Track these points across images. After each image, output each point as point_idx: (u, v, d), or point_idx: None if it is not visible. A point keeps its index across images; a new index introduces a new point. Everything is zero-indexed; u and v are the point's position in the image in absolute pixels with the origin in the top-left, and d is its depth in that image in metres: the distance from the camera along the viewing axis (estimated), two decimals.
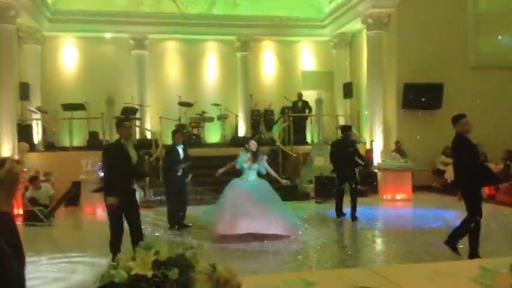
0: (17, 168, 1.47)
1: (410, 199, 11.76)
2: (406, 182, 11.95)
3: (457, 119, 6.03)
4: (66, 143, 14.16)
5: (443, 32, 13.58)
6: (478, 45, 14.09)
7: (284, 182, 8.15)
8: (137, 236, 5.45)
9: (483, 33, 14.15)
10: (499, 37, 13.99)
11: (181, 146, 8.65)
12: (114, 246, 5.51)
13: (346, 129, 9.76)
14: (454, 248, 6.01)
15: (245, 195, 7.39)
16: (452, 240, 6.03)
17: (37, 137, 14.00)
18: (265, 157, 7.96)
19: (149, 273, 1.93)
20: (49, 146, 14.13)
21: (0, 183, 1.40)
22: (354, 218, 9.05)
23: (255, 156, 7.67)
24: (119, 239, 5.56)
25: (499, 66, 13.83)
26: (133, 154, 5.65)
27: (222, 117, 15.56)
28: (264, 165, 7.76)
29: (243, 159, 7.65)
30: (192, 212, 8.88)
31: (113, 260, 5.16)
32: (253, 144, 7.75)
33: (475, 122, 6.36)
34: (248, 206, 7.27)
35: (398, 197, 11.84)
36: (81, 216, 10.47)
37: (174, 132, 8.96)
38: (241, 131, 15.96)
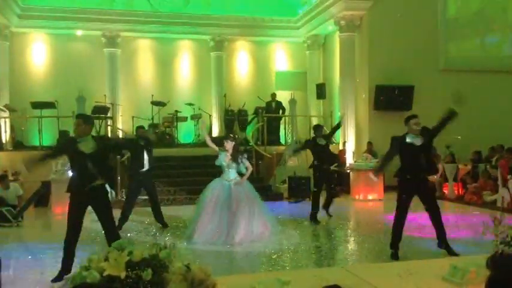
0: None
1: (381, 199, 11.94)
2: (377, 182, 12.09)
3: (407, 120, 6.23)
4: (36, 142, 13.85)
5: (414, 35, 13.85)
6: (447, 49, 14.42)
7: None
8: (110, 236, 5.34)
9: (453, 37, 14.50)
10: (468, 41, 14.39)
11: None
12: (66, 243, 5.39)
13: (318, 128, 9.80)
14: (450, 250, 6.08)
15: (224, 201, 7.33)
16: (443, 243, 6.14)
17: (5, 135, 13.66)
18: (246, 159, 7.86)
19: (122, 274, 1.90)
20: (17, 145, 13.81)
21: None
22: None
23: (234, 156, 7.60)
24: (72, 238, 5.39)
25: (468, 70, 14.18)
26: (87, 150, 5.34)
27: (195, 117, 15.49)
28: (243, 167, 7.66)
29: (223, 158, 7.59)
30: (166, 212, 8.81)
31: (63, 258, 5.10)
32: (229, 145, 7.69)
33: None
34: (227, 216, 7.22)
35: (370, 197, 12.00)
36: (50, 217, 10.26)
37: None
38: (215, 131, 15.92)
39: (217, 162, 7.64)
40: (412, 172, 6.13)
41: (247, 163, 7.70)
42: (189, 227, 7.63)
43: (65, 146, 5.84)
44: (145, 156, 8.54)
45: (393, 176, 6.56)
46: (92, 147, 5.35)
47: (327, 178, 9.31)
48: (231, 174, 7.59)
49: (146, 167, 8.53)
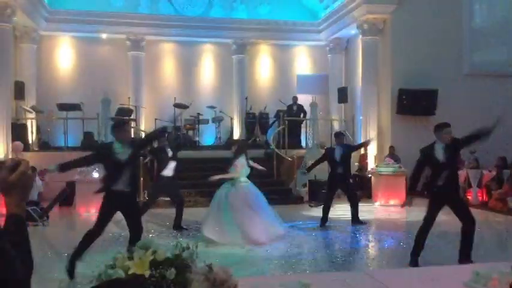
0: (30, 171, 1.47)
1: (403, 205, 11.78)
2: (399, 187, 11.99)
3: (438, 128, 6.05)
4: (61, 143, 14.12)
5: (438, 39, 13.69)
6: (472, 53, 14.20)
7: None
8: (136, 240, 5.40)
9: (477, 46, 14.26)
10: (493, 48, 14.16)
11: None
12: (82, 243, 5.49)
13: (339, 136, 9.74)
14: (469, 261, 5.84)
15: (239, 203, 7.39)
16: (466, 258, 5.91)
17: (31, 136, 13.96)
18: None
19: (147, 273, 1.95)
20: (43, 145, 14.10)
21: (13, 185, 1.40)
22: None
23: (247, 157, 7.81)
24: (91, 240, 5.51)
25: (492, 74, 13.95)
26: (125, 155, 5.50)
27: (217, 120, 15.59)
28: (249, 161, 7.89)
29: (244, 163, 7.69)
30: (186, 214, 8.89)
31: (71, 258, 5.16)
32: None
33: (468, 128, 6.41)
34: (242, 217, 7.29)
35: (391, 202, 11.88)
36: (75, 216, 10.45)
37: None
38: (236, 134, 15.99)
39: (246, 170, 7.67)
40: (438, 184, 6.01)
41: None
42: (203, 226, 7.70)
43: (100, 153, 5.90)
44: (171, 163, 8.60)
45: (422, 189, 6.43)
46: (128, 154, 5.51)
47: (342, 186, 9.22)
48: (244, 175, 7.70)
49: (170, 172, 8.60)
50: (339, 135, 9.68)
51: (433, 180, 6.07)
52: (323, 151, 10.20)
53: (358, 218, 9.12)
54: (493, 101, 13.79)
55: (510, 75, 14.05)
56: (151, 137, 7.07)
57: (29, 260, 1.40)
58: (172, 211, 8.99)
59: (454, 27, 13.88)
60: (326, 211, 9.04)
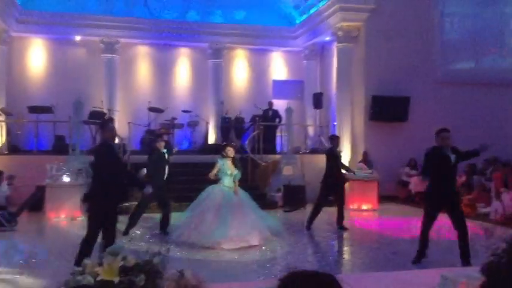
0: None
1: (376, 209, 11.97)
2: (372, 192, 12.16)
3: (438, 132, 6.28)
4: (31, 147, 13.82)
5: (410, 48, 13.95)
6: (443, 62, 14.51)
7: None
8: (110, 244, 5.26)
9: (448, 51, 14.59)
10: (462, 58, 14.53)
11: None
12: (83, 256, 5.20)
13: (334, 139, 9.84)
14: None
15: (226, 207, 7.37)
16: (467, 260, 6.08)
17: (0, 139, 13.62)
18: (239, 165, 7.95)
19: (116, 279, 1.92)
20: (13, 149, 13.77)
21: None
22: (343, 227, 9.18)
23: (234, 163, 7.70)
24: (91, 249, 5.31)
25: (463, 82, 14.29)
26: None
27: (192, 124, 15.50)
28: (239, 173, 7.77)
29: (227, 166, 7.63)
30: (158, 218, 8.81)
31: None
32: (230, 151, 7.78)
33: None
34: (231, 218, 7.27)
35: (364, 207, 12.03)
36: (44, 222, 10.22)
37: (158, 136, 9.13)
38: (212, 138, 15.94)
39: (222, 173, 7.62)
40: (445, 186, 6.12)
41: (240, 169, 7.79)
42: (176, 230, 7.61)
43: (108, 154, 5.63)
44: (167, 167, 8.61)
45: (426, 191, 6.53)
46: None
47: (337, 191, 9.31)
48: (230, 181, 7.65)
49: (165, 176, 8.59)
50: (334, 138, 9.78)
51: (440, 186, 6.12)
52: (297, 156, 10.26)
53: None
54: (463, 108, 14.13)
55: (480, 83, 14.41)
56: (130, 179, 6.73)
57: None
58: (146, 215, 8.89)
59: (425, 37, 14.16)
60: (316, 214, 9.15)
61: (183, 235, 7.36)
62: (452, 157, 6.12)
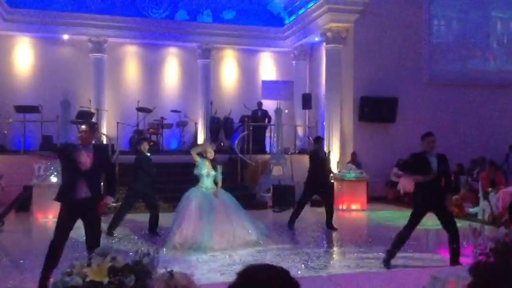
0: None
1: (365, 209, 12.02)
2: (361, 192, 12.22)
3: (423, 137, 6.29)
4: (18, 146, 13.68)
5: (399, 49, 14.07)
6: (431, 63, 14.63)
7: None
8: (93, 244, 5.11)
9: (435, 52, 14.72)
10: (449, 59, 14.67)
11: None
12: (48, 258, 5.03)
13: (318, 140, 9.90)
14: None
15: (206, 209, 7.34)
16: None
17: None
18: (221, 166, 7.92)
19: (105, 280, 1.90)
20: (0, 148, 13.61)
21: None
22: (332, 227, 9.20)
23: (213, 163, 7.68)
24: (56, 251, 5.05)
25: (451, 83, 14.43)
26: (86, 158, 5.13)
27: (181, 124, 15.46)
28: (219, 173, 7.74)
29: (203, 166, 7.62)
30: (146, 218, 8.77)
31: (43, 270, 4.77)
32: (209, 153, 7.75)
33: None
34: (210, 223, 7.24)
35: (353, 207, 12.08)
36: (32, 222, 10.12)
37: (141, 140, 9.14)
38: (201, 138, 15.90)
39: (196, 171, 7.65)
40: (428, 189, 6.12)
41: (220, 174, 7.74)
42: (169, 234, 7.57)
43: (63, 152, 5.46)
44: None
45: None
46: (90, 160, 5.13)
47: (322, 191, 9.34)
48: (209, 182, 7.63)
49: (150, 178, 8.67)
50: (318, 139, 9.82)
51: (425, 193, 6.12)
52: (287, 156, 10.28)
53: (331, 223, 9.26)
54: (450, 109, 14.27)
55: (467, 84, 14.55)
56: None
57: None
58: (134, 216, 8.85)
59: (414, 39, 14.28)
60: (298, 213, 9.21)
61: (175, 239, 7.28)
62: (434, 164, 6.13)
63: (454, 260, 6.00)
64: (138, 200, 9.22)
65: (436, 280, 2.92)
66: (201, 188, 7.62)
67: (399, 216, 10.22)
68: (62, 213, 5.16)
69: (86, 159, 5.11)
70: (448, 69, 14.82)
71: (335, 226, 9.22)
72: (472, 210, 10.82)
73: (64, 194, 5.16)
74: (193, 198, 7.50)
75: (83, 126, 5.31)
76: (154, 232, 8.49)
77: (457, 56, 14.94)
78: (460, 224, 9.82)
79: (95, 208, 5.16)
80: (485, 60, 15.30)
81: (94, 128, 5.51)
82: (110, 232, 8.24)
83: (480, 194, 10.58)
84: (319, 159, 9.35)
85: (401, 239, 6.19)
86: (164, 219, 8.62)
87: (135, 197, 8.82)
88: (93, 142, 5.50)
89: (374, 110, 13.57)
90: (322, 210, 9.67)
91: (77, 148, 5.19)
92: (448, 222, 6.14)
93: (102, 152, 5.66)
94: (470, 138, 14.09)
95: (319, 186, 9.29)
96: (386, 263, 6.08)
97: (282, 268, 1.70)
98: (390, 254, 6.16)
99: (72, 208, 5.12)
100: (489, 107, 14.65)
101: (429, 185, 6.10)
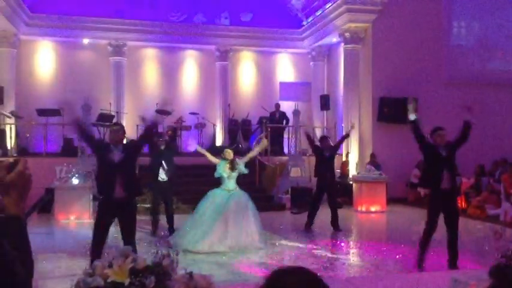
0: (29, 170, 1.43)
1: (384, 211, 11.91)
2: (380, 194, 12.11)
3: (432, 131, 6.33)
4: (40, 149, 13.92)
5: (418, 48, 13.90)
6: (452, 62, 14.45)
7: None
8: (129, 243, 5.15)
9: (455, 52, 14.52)
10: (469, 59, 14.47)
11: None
12: (93, 255, 5.19)
13: (323, 139, 9.91)
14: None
15: (220, 212, 7.36)
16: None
17: (10, 142, 13.72)
18: (242, 161, 7.92)
19: (126, 281, 1.93)
20: (22, 151, 13.86)
21: (12, 185, 1.36)
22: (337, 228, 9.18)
23: (232, 165, 7.67)
24: (97, 249, 5.22)
25: (471, 83, 14.21)
26: (118, 158, 5.27)
27: (199, 126, 15.54)
28: (242, 167, 7.74)
29: (222, 168, 7.64)
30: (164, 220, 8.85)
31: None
32: (228, 153, 7.78)
33: (448, 135, 6.55)
34: (223, 225, 7.27)
35: (372, 209, 11.97)
36: (53, 224, 10.28)
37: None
38: (219, 140, 15.96)
39: (216, 174, 7.67)
40: (435, 184, 6.11)
41: (243, 165, 7.75)
42: (184, 236, 7.59)
43: (99, 151, 5.57)
44: (164, 166, 8.64)
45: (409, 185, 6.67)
46: (121, 156, 5.27)
47: (327, 191, 9.32)
48: (231, 184, 7.64)
49: (163, 176, 8.64)
50: (323, 138, 9.81)
51: (434, 178, 6.11)
52: (304, 157, 10.26)
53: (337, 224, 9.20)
54: (474, 109, 14.01)
55: (488, 83, 14.32)
56: (146, 134, 6.00)
57: (29, 261, 1.36)
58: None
59: (433, 39, 14.10)
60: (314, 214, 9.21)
61: (198, 242, 7.29)
62: (444, 152, 6.12)
63: (452, 263, 5.88)
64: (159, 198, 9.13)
65: (457, 283, 2.89)
66: (223, 189, 7.64)
67: (419, 218, 10.10)
68: (100, 212, 5.32)
69: (119, 158, 5.23)
70: (468, 69, 14.60)
71: (340, 227, 9.16)
72: (493, 212, 10.64)
73: (101, 193, 5.33)
74: (209, 199, 7.54)
75: (116, 127, 5.44)
76: (171, 230, 8.57)
77: (477, 56, 14.73)
78: (481, 226, 9.73)
79: (130, 208, 5.31)
80: (506, 61, 15.06)
81: (124, 129, 5.64)
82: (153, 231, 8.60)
83: (502, 196, 10.40)
84: (324, 159, 9.32)
85: (424, 239, 6.13)
86: (182, 220, 8.67)
87: (155, 195, 8.96)
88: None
89: (393, 110, 13.42)
90: (341, 212, 9.60)
91: (109, 148, 5.31)
92: (452, 222, 6.06)
93: (130, 146, 5.75)
94: (492, 138, 13.85)
95: (324, 186, 9.24)
96: (420, 265, 6.02)
97: (313, 272, 1.59)
98: (420, 256, 6.10)
99: (109, 207, 5.24)
100: (510, 108, 14.40)
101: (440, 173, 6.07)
